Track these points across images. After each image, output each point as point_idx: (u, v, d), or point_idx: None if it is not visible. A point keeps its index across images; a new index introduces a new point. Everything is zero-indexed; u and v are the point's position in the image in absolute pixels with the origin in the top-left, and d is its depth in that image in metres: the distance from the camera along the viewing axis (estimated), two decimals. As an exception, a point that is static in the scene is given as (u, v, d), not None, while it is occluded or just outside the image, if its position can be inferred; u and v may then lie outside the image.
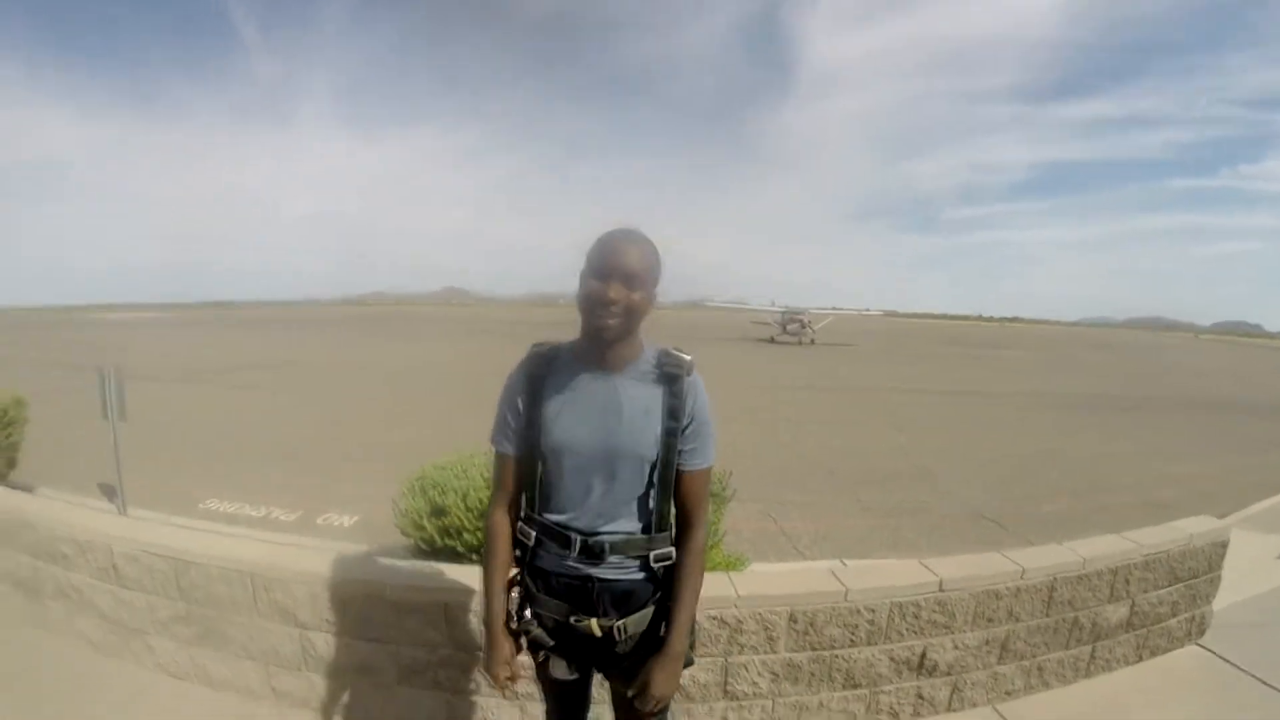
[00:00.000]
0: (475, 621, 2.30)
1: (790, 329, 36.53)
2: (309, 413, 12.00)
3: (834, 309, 45.92)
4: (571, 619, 1.50)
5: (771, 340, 36.47)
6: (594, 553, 1.47)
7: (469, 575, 2.33)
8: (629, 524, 1.49)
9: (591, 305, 1.38)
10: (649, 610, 1.51)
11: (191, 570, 2.71)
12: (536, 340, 1.55)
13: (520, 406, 1.49)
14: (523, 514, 1.55)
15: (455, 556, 2.38)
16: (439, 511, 2.41)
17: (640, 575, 1.51)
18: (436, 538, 2.40)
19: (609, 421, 1.44)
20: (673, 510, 1.53)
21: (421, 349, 28.98)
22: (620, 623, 1.48)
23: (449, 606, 2.32)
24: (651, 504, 1.50)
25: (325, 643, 2.52)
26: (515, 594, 1.55)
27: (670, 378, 1.47)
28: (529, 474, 1.51)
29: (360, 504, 5.56)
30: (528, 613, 1.53)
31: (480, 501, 2.47)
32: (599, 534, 1.47)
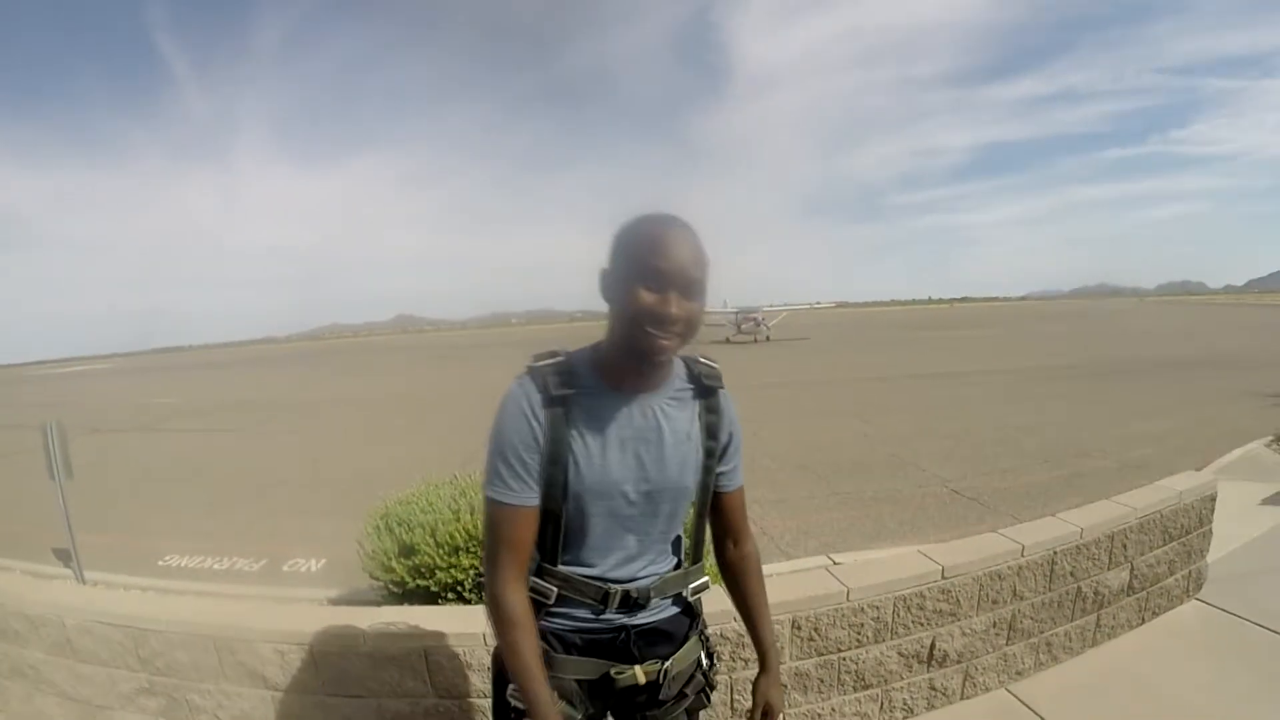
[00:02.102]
0: (458, 666, 2.15)
1: (745, 328, 36.21)
2: (266, 453, 11.59)
3: (786, 305, 46.29)
4: (612, 672, 1.28)
5: (727, 340, 35.91)
6: (635, 602, 1.27)
7: (447, 617, 2.18)
8: (666, 562, 1.33)
9: (643, 323, 1.08)
10: (690, 644, 1.36)
11: (150, 638, 2.53)
12: (537, 353, 1.22)
13: (540, 441, 1.16)
14: (534, 568, 1.26)
15: (429, 597, 2.21)
16: (408, 550, 2.24)
17: (675, 610, 1.34)
18: (407, 579, 2.24)
19: (652, 455, 1.20)
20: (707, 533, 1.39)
21: (374, 381, 28.32)
22: (666, 665, 1.30)
23: (429, 652, 2.16)
24: (691, 536, 1.35)
25: (300, 704, 2.35)
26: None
27: (707, 391, 1.27)
28: (548, 522, 1.21)
29: (327, 544, 5.27)
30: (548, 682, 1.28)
31: (451, 536, 2.28)
32: (638, 579, 1.27)
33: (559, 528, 1.22)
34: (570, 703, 1.27)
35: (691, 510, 1.33)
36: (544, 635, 1.26)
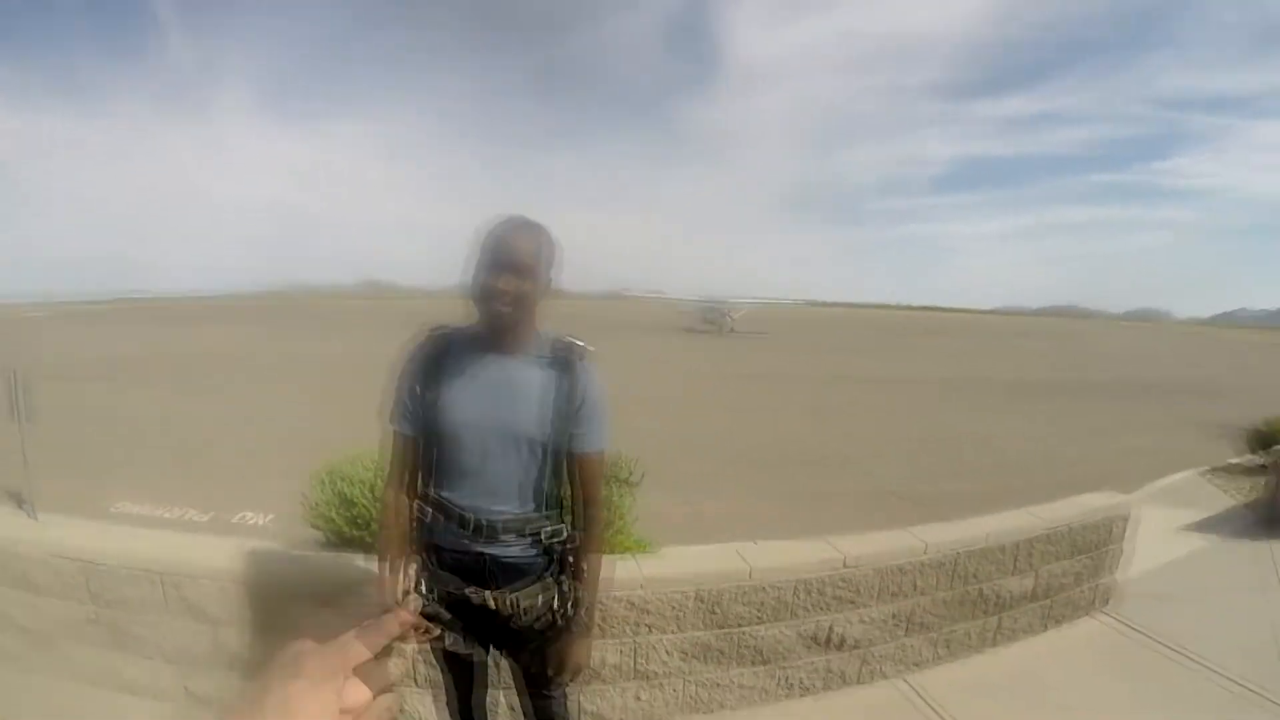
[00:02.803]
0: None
1: (709, 318, 36.72)
2: (226, 409, 11.55)
3: (754, 299, 46.71)
4: (466, 591, 1.52)
5: (691, 330, 36.32)
6: (487, 531, 1.50)
7: (376, 565, 2.33)
8: (522, 504, 1.53)
9: (483, 296, 1.42)
10: (542, 584, 1.56)
11: (100, 572, 2.67)
12: (433, 324, 1.59)
13: (418, 388, 1.52)
14: (419, 491, 1.59)
15: (364, 547, 2.39)
16: (347, 503, 2.42)
17: (532, 552, 1.55)
18: (345, 528, 2.41)
19: (502, 403, 1.48)
20: (567, 491, 1.59)
21: (350, 341, 27.80)
22: (513, 596, 1.52)
23: (360, 597, 2.32)
24: (544, 485, 1.54)
25: (237, 639, 2.50)
26: (412, 570, 1.58)
27: (564, 363, 1.52)
28: (426, 453, 1.55)
29: (276, 500, 5.30)
30: (423, 586, 1.55)
31: (387, 492, 2.45)
32: (492, 512, 1.51)
33: (432, 458, 1.55)
34: (442, 604, 1.55)
35: (549, 464, 1.54)
36: (427, 550, 1.60)
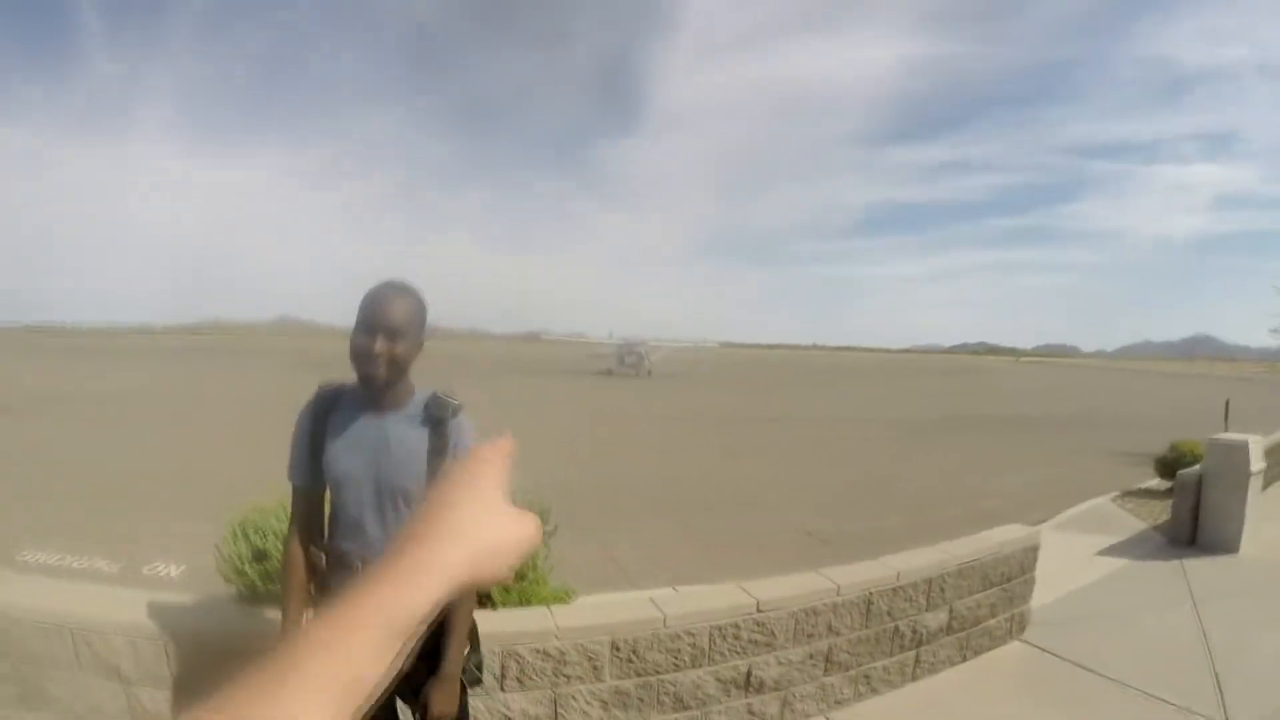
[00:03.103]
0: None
1: (627, 360, 37.24)
2: (137, 450, 11.16)
3: (672, 340, 47.79)
4: None
5: (609, 372, 36.74)
6: None
7: (293, 622, 2.33)
8: None
9: (359, 357, 1.54)
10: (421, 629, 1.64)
11: (7, 625, 2.59)
12: (324, 381, 1.71)
13: (308, 443, 1.65)
14: (318, 542, 1.72)
15: (279, 600, 2.38)
16: (260, 555, 2.41)
17: None
18: (259, 583, 2.40)
19: (379, 459, 1.59)
20: None
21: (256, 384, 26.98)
22: None
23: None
24: None
25: (151, 697, 2.45)
26: (311, 614, 1.67)
27: (436, 420, 1.62)
28: (320, 505, 1.69)
29: (188, 550, 5.29)
30: None
31: (302, 546, 2.45)
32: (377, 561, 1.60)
33: (327, 513, 1.69)
34: None
35: None
36: (326, 597, 1.68)
